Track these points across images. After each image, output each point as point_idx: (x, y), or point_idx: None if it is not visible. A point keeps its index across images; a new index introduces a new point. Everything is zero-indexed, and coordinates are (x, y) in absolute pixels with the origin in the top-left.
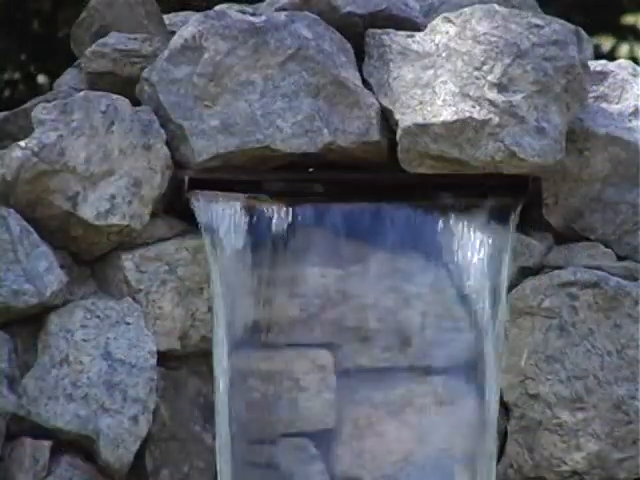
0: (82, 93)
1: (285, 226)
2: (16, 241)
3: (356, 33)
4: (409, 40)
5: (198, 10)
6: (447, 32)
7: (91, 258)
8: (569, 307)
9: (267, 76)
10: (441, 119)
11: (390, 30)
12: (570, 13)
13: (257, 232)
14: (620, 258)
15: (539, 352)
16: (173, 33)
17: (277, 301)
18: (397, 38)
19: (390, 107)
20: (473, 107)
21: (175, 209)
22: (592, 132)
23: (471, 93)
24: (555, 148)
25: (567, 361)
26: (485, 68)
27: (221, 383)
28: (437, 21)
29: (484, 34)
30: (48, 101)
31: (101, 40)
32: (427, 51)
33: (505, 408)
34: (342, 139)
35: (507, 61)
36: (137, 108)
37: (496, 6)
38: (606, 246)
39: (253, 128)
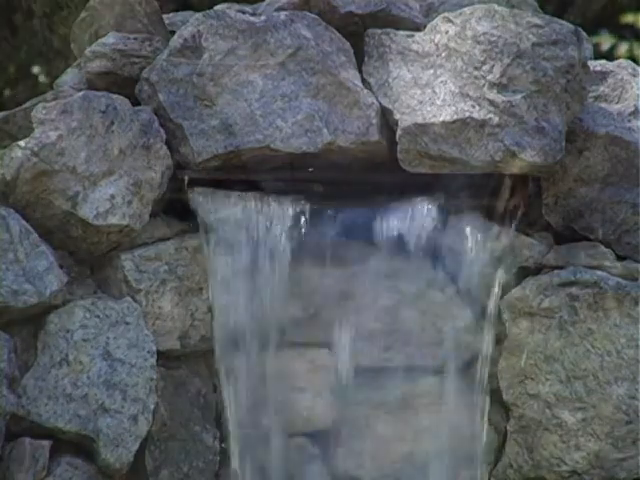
0: (82, 93)
1: (284, 226)
2: (16, 241)
3: (356, 33)
4: (409, 40)
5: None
6: (447, 32)
7: (91, 258)
8: (569, 307)
9: (267, 76)
10: (441, 119)
11: (390, 30)
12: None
13: (256, 232)
14: (620, 258)
15: (539, 352)
16: (173, 33)
17: (277, 301)
18: (397, 38)
19: (390, 107)
20: (473, 107)
21: (175, 209)
22: (592, 132)
23: (471, 93)
24: (555, 148)
25: (567, 361)
26: (485, 68)
27: (231, 384)
28: (437, 21)
29: (484, 34)
30: (48, 101)
31: (101, 40)
32: (427, 51)
33: (505, 408)
34: (342, 139)
35: (507, 61)
36: (137, 108)
37: (496, 6)
38: (606, 246)
39: (253, 128)
